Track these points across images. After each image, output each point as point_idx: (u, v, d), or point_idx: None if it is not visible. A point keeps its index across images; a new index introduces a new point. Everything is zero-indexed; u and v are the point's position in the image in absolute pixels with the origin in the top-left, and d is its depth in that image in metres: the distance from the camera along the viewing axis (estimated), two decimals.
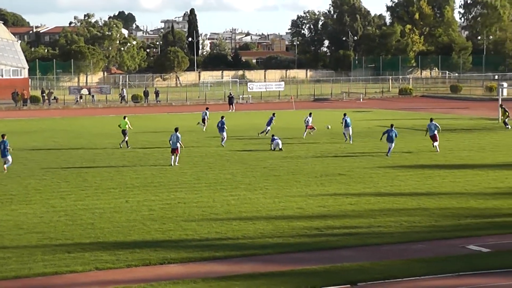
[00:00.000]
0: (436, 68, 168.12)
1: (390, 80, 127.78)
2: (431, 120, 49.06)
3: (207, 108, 67.16)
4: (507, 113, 61.08)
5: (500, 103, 65.40)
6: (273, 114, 58.77)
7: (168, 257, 22.80)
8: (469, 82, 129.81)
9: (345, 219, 28.00)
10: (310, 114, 57.43)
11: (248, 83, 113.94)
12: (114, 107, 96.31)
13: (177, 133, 42.39)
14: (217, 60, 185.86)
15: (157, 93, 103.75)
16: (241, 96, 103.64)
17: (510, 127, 59.77)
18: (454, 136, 55.30)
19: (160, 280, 20.59)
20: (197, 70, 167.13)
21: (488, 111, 77.92)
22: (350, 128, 52.93)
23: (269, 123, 57.10)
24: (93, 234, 25.75)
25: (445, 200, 31.29)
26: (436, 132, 47.58)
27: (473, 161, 42.78)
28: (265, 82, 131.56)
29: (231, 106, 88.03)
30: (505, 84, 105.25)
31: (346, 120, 52.67)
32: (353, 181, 36.24)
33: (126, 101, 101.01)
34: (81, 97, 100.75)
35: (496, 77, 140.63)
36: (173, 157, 42.19)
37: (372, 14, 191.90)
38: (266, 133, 55.94)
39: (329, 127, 57.90)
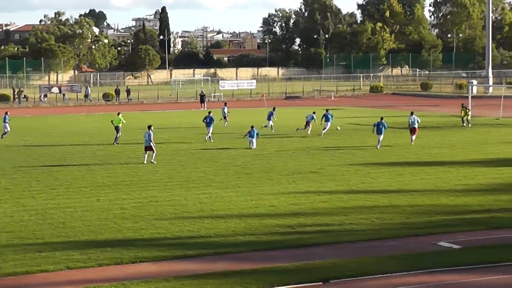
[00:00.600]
0: (407, 66, 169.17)
1: (361, 78, 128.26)
2: (412, 113, 50.98)
3: (225, 104, 67.62)
4: (468, 112, 61.36)
5: (462, 102, 65.68)
6: (274, 108, 59.52)
7: (140, 256, 22.72)
8: (439, 80, 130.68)
9: (317, 216, 28.06)
10: (314, 113, 57.28)
11: (220, 81, 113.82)
12: (85, 105, 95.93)
13: (150, 130, 42.20)
14: (189, 58, 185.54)
15: (128, 91, 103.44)
16: (212, 94, 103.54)
17: (466, 125, 60.03)
18: (425, 133, 55.59)
19: (132, 279, 20.51)
20: (168, 68, 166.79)
21: (458, 108, 78.20)
22: (329, 123, 55.13)
23: (269, 118, 57.82)
24: (64, 233, 25.59)
25: (416, 197, 31.47)
26: (416, 125, 49.60)
27: (444, 158, 43.06)
28: (236, 80, 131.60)
29: (202, 104, 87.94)
30: (474, 82, 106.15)
31: (326, 116, 55.46)
32: (325, 178, 36.33)
33: (90, 99, 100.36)
34: (45, 96, 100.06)
35: (466, 74, 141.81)
36: (146, 155, 42.03)
37: (344, 12, 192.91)
38: (267, 127, 57.42)
39: (339, 128, 57.93)
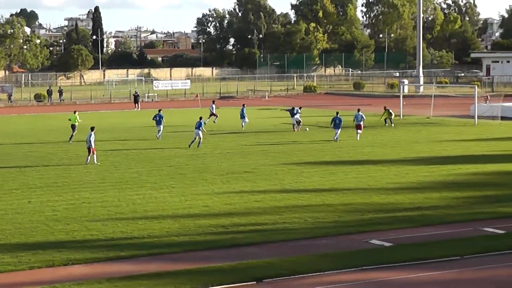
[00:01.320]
0: (340, 66, 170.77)
1: (295, 78, 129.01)
2: (358, 110, 53.89)
3: (213, 102, 69.48)
4: (391, 114, 62.05)
5: (385, 105, 66.37)
6: (300, 108, 60.37)
7: (72, 258, 22.51)
8: (371, 79, 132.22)
9: (251, 216, 28.15)
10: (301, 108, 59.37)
11: (154, 82, 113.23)
12: (16, 106, 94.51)
13: (92, 132, 41.92)
14: (122, 58, 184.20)
15: (60, 92, 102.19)
16: (146, 94, 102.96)
17: (388, 125, 60.73)
18: (351, 134, 56.10)
19: (64, 281, 20.32)
20: (102, 69, 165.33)
21: (390, 107, 79.40)
22: (293, 119, 57.92)
23: (292, 115, 58.53)
24: None
25: (349, 195, 31.78)
26: (361, 122, 52.43)
27: (376, 157, 43.57)
28: (171, 80, 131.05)
29: (136, 104, 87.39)
30: (406, 81, 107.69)
31: (292, 112, 58.07)
32: (259, 178, 36.46)
33: (11, 100, 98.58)
34: None
35: (397, 74, 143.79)
36: (88, 156, 41.66)
37: (277, 12, 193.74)
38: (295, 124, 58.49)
39: (307, 129, 58.55)
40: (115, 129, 61.08)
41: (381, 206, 29.58)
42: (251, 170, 38.97)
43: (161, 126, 53.45)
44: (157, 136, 53.35)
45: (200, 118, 50.42)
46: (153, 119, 54.26)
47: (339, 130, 51.03)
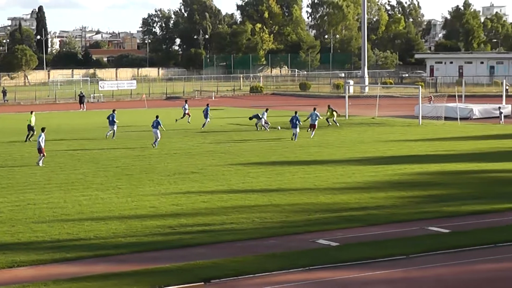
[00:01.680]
0: (286, 66, 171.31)
1: (241, 78, 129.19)
2: (314, 109, 55.59)
3: (186, 101, 70.19)
4: (334, 113, 62.54)
5: (329, 104, 66.87)
6: (266, 110, 61.88)
7: (18, 260, 22.22)
8: (317, 80, 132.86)
9: (198, 216, 28.10)
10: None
11: (100, 82, 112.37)
12: None
13: (43, 133, 41.54)
14: (67, 58, 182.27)
15: (4, 92, 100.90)
16: (92, 95, 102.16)
17: (332, 125, 61.15)
18: (303, 133, 56.39)
19: (9, 283, 20.06)
20: (46, 69, 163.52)
21: (336, 108, 79.88)
22: (262, 120, 59.12)
23: (259, 118, 59.69)
24: None
25: (296, 196, 31.90)
26: (316, 122, 54.25)
27: (322, 157, 43.82)
28: (116, 80, 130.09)
29: (82, 105, 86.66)
30: (351, 82, 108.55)
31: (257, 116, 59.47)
32: (206, 178, 36.42)
33: None
34: None
35: (343, 74, 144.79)
36: (39, 157, 41.21)
37: (223, 13, 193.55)
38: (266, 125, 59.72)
39: (280, 128, 59.30)
40: (61, 130, 60.46)
41: (328, 206, 29.75)
42: (198, 170, 38.92)
43: (115, 127, 53.55)
44: (106, 135, 53.51)
45: (157, 117, 50.13)
46: (107, 118, 54.28)
47: (298, 129, 52.13)
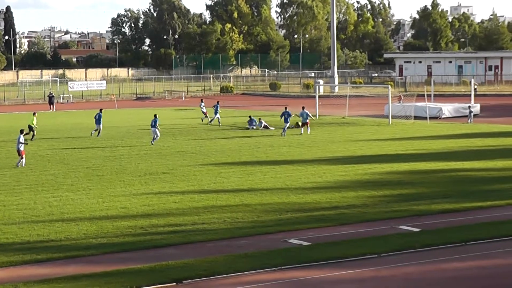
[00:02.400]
0: (256, 66, 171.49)
1: (212, 78, 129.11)
2: (303, 108, 56.71)
3: (202, 100, 69.91)
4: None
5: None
6: (202, 100, 64.06)
7: None
8: (287, 80, 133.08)
9: (169, 217, 28.07)
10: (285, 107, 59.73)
11: (69, 82, 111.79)
12: None
13: (21, 135, 41.19)
14: (36, 59, 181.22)
15: None
16: (61, 95, 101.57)
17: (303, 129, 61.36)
18: (274, 132, 56.58)
19: None
20: (14, 69, 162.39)
21: (306, 108, 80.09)
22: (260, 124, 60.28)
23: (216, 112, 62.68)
24: None
25: (267, 195, 31.96)
26: (308, 119, 55.97)
27: (293, 157, 43.92)
28: (86, 81, 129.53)
29: (51, 105, 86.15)
30: (321, 82, 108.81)
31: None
32: (177, 179, 36.38)
33: None
34: None
35: (313, 74, 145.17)
36: (20, 159, 40.92)
37: (192, 13, 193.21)
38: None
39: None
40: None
41: (299, 206, 29.83)
42: (169, 171, 38.86)
43: (101, 126, 55.41)
44: (91, 133, 55.53)
45: (155, 116, 51.38)
46: (94, 117, 56.23)
47: (288, 124, 55.12)
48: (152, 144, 49.66)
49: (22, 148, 40.79)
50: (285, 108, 57.38)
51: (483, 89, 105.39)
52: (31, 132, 53.41)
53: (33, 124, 53.82)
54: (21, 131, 41.76)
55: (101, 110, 57.30)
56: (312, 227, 26.37)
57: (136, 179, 36.49)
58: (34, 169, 40.04)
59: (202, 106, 66.87)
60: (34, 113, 56.16)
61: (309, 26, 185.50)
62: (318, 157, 43.47)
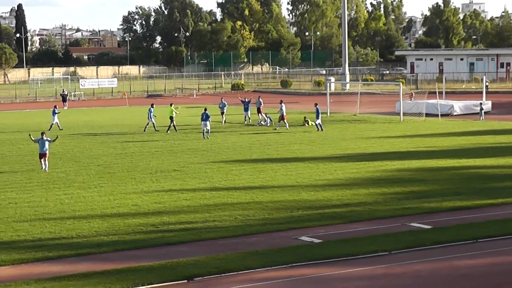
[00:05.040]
0: (267, 64, 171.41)
1: (223, 76, 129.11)
2: (316, 105, 56.86)
3: (222, 99, 67.07)
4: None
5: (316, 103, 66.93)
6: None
7: None
8: (298, 77, 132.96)
9: (180, 214, 28.09)
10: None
11: (80, 80, 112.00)
12: None
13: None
14: (47, 56, 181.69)
15: None
16: (73, 93, 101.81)
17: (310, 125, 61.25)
18: (284, 129, 56.51)
19: None
20: (26, 67, 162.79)
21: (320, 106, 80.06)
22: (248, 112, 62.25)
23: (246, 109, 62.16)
24: None
25: (278, 193, 31.95)
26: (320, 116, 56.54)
27: (304, 154, 43.88)
28: (97, 78, 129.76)
29: (65, 103, 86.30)
30: (332, 79, 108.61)
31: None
32: (188, 176, 36.40)
33: None
34: None
35: (324, 72, 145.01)
36: (42, 162, 38.89)
37: (204, 10, 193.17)
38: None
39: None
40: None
41: (310, 203, 29.82)
42: (180, 168, 38.89)
43: (152, 120, 56.19)
44: (145, 128, 56.54)
45: (205, 109, 52.88)
46: (148, 112, 56.79)
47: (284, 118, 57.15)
48: (206, 138, 51.34)
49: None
50: (316, 104, 57.43)
51: (495, 86, 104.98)
52: (172, 123, 55.95)
53: (173, 113, 56.28)
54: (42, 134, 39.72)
55: (152, 105, 58.09)
56: (323, 224, 26.35)
57: (147, 176, 36.53)
58: None
59: (223, 106, 63.99)
60: (171, 104, 58.13)
61: (320, 24, 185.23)
62: (329, 155, 43.42)
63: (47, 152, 39.00)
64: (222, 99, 65.28)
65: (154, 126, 56.06)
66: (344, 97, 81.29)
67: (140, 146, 48.09)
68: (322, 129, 55.44)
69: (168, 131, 55.37)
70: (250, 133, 54.98)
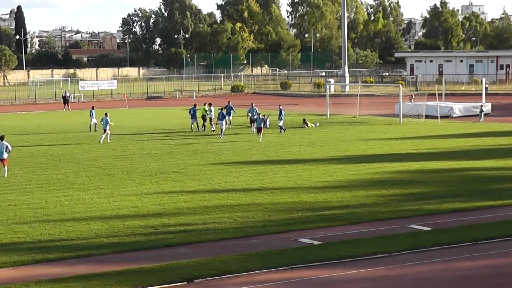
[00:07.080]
0: (267, 66, 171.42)
1: (222, 78, 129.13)
2: (279, 106, 58.80)
3: (228, 102, 64.02)
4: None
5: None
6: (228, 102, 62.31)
7: None
8: (298, 79, 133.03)
9: (180, 216, 28.08)
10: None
11: (80, 82, 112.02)
12: None
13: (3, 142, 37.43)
14: (47, 58, 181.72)
15: None
16: (72, 95, 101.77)
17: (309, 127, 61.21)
18: (285, 131, 56.51)
19: None
20: (26, 69, 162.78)
21: (317, 107, 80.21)
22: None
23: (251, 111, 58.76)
24: None
25: (278, 194, 31.94)
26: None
27: (304, 156, 43.88)
28: (97, 80, 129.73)
29: (66, 105, 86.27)
30: (332, 81, 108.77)
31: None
32: (188, 178, 36.39)
33: None
34: None
35: (324, 73, 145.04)
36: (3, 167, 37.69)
37: (203, 12, 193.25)
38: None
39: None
40: (41, 130, 60.22)
41: (310, 205, 29.81)
42: (179, 170, 38.88)
43: (196, 120, 57.57)
44: (191, 128, 57.53)
45: (221, 109, 55.06)
46: (189, 112, 58.22)
47: (282, 122, 56.98)
48: (221, 137, 52.63)
49: (108, 127, 47.31)
50: (252, 104, 59.16)
51: (494, 88, 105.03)
52: (204, 121, 57.33)
53: (206, 113, 57.62)
54: (1, 138, 37.42)
55: (194, 105, 59.26)
56: (323, 226, 26.34)
57: (147, 178, 36.53)
58: (45, 168, 40.13)
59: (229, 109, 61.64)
60: (204, 104, 59.90)
61: (320, 25, 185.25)
62: (329, 156, 43.42)
63: (6, 158, 37.29)
64: (229, 103, 62.79)
65: (92, 126, 57.38)
66: (343, 99, 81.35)
67: (139, 148, 48.07)
68: (284, 130, 56.33)
69: (204, 129, 57.57)
70: (249, 135, 54.93)
